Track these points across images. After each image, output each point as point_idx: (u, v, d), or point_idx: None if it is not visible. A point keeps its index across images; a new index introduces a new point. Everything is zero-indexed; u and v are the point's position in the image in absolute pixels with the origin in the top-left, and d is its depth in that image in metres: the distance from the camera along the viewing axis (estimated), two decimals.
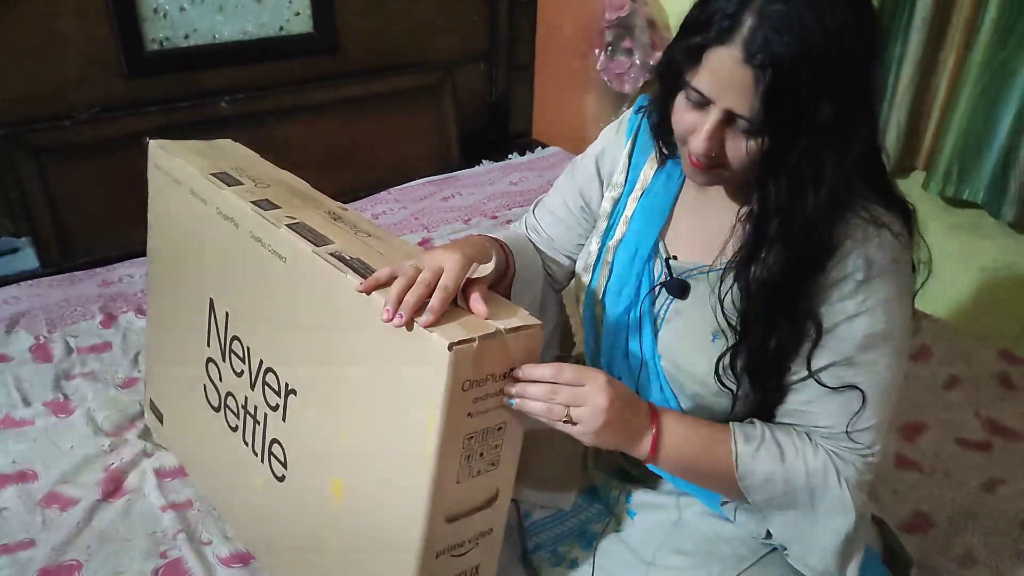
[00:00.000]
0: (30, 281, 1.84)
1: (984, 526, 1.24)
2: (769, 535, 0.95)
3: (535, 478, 1.09)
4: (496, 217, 2.27)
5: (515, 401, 0.82)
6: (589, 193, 1.08)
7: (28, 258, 2.04)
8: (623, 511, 1.05)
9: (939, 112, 1.99)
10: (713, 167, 0.84)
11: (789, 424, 0.90)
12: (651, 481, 1.05)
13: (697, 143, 0.82)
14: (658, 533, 1.00)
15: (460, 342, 0.76)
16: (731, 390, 0.90)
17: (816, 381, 0.86)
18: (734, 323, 0.88)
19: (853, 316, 0.84)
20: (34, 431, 1.37)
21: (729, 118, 0.79)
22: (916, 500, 1.30)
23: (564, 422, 0.82)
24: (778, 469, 0.86)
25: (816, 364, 0.86)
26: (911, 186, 2.06)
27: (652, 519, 1.02)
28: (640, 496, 1.04)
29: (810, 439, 0.88)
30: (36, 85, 1.97)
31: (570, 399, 0.81)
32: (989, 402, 1.54)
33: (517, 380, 0.82)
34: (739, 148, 0.81)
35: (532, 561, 1.04)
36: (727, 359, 0.89)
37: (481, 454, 0.84)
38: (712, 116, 0.80)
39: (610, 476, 1.10)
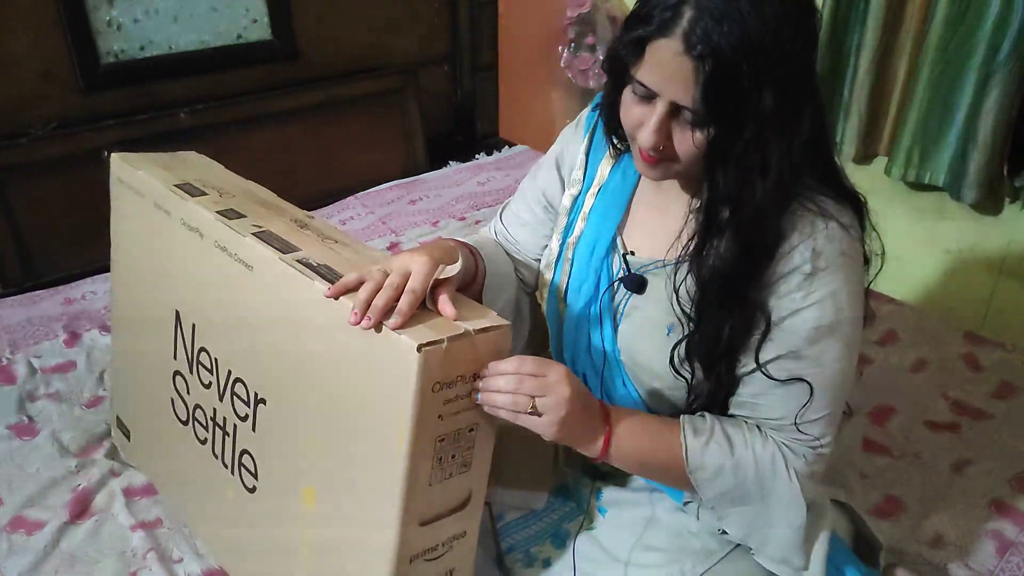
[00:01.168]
0: None
1: (954, 507, 1.26)
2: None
3: (507, 479, 1.09)
4: (464, 218, 2.26)
5: (481, 395, 0.81)
6: (552, 194, 1.08)
7: None
8: (594, 509, 1.05)
9: (898, 97, 2.01)
10: (663, 160, 0.84)
11: (741, 416, 0.91)
12: (622, 478, 1.05)
13: (645, 136, 0.82)
14: (630, 531, 1.00)
15: (429, 343, 0.76)
16: (686, 380, 0.90)
17: (763, 373, 0.87)
18: (689, 312, 0.88)
19: (800, 309, 0.84)
20: None
21: (675, 110, 0.80)
22: (887, 484, 1.31)
23: (529, 413, 0.81)
24: (727, 462, 0.87)
25: (764, 356, 0.86)
26: (874, 172, 2.08)
27: (624, 516, 1.02)
28: (611, 493, 1.05)
29: (760, 431, 0.89)
30: None
31: (534, 388, 0.81)
32: (956, 384, 1.56)
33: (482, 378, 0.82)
34: (686, 140, 0.81)
35: (506, 563, 1.04)
36: (682, 349, 0.89)
37: (453, 456, 0.84)
38: (658, 109, 0.80)
39: (581, 474, 1.10)
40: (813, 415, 0.87)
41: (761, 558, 0.94)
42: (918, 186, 2.03)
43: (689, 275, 0.88)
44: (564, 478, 1.13)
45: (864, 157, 2.09)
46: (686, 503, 0.99)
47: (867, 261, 0.91)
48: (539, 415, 0.81)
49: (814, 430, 0.87)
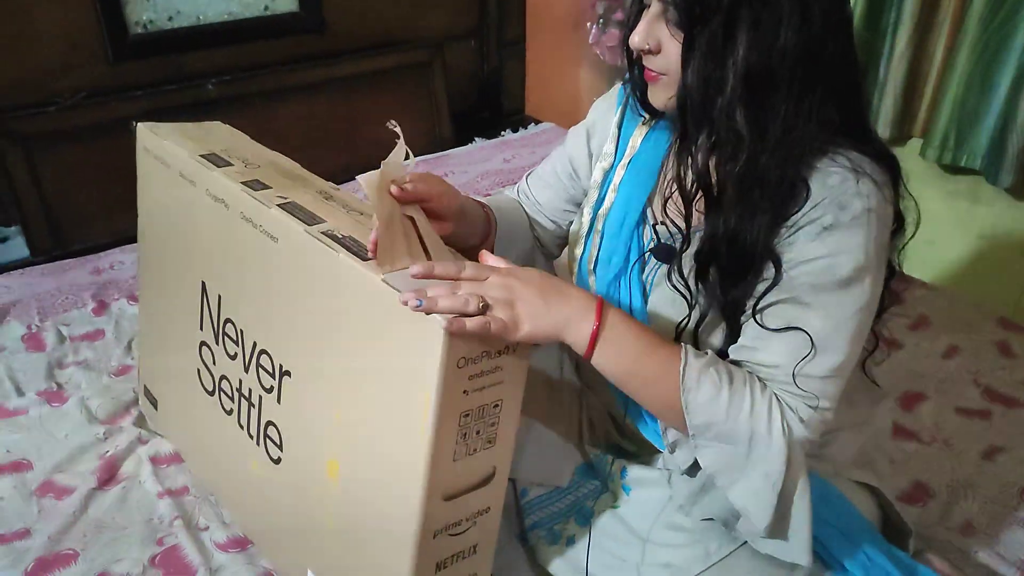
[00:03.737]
0: (21, 270, 1.83)
1: (984, 495, 1.24)
2: (694, 470, 0.94)
3: (531, 455, 1.09)
4: (490, 195, 2.24)
5: (424, 302, 0.74)
6: (578, 162, 1.09)
7: (18, 247, 2.03)
8: (619, 487, 1.04)
9: (935, 78, 1.97)
10: (660, 75, 0.86)
11: (739, 361, 0.87)
12: (646, 457, 1.05)
13: (635, 37, 0.84)
14: (654, 509, 0.99)
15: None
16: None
17: (756, 321, 0.83)
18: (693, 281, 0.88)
19: (813, 259, 0.81)
20: (28, 420, 1.37)
21: (664, 11, 0.82)
22: (916, 470, 1.29)
23: (478, 314, 0.75)
24: (724, 392, 0.81)
25: (764, 301, 0.83)
26: (908, 154, 2.04)
27: (648, 495, 1.01)
28: (635, 472, 1.04)
29: (759, 379, 0.84)
30: (20, 71, 1.95)
31: (475, 287, 0.77)
32: (988, 370, 1.53)
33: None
34: (673, 44, 0.82)
35: (529, 539, 1.03)
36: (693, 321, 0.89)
37: (478, 432, 0.83)
38: (650, 10, 0.83)
39: (606, 452, 1.10)
40: (813, 371, 0.82)
41: (734, 500, 0.88)
42: (953, 169, 1.99)
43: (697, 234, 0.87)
44: (588, 456, 1.13)
45: (899, 138, 2.06)
46: (672, 445, 0.96)
47: (901, 224, 0.88)
48: (489, 312, 0.76)
49: (812, 386, 0.82)
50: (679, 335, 0.92)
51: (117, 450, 1.30)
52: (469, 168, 2.39)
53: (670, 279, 0.91)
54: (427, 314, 0.74)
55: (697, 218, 0.88)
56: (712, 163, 0.84)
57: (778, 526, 0.85)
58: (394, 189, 0.83)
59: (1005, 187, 1.86)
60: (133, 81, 2.09)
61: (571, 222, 1.12)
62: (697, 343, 0.91)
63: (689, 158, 0.85)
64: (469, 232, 1.00)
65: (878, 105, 2.02)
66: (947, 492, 1.25)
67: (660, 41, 0.83)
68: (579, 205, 1.10)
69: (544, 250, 1.15)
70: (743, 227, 0.82)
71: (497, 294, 0.77)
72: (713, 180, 0.84)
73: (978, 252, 2.03)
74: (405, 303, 0.75)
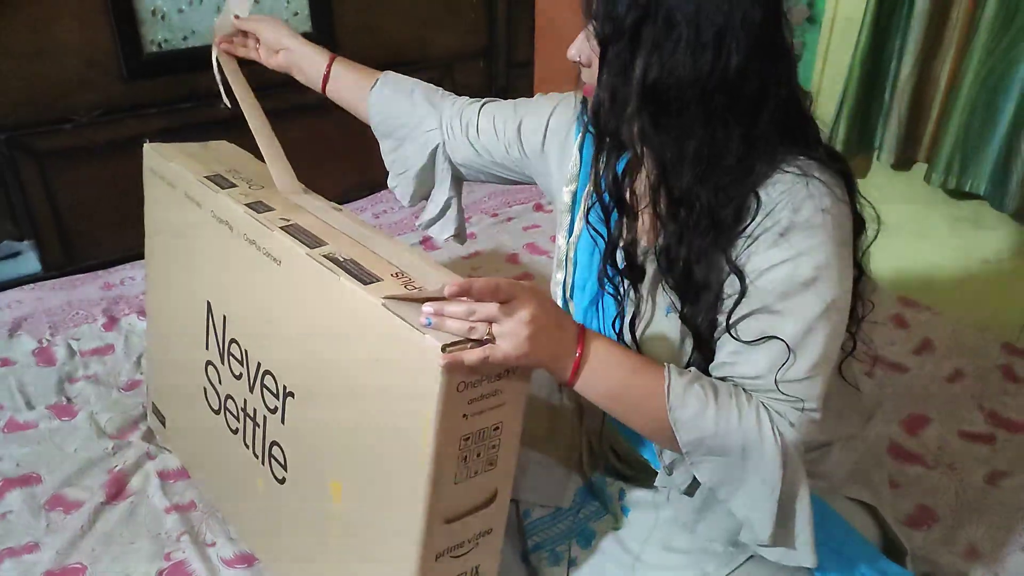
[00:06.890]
0: (32, 285, 1.85)
1: (988, 519, 1.24)
2: (692, 489, 0.94)
3: (533, 476, 1.09)
4: (497, 215, 2.27)
5: (432, 320, 0.77)
6: (526, 131, 1.09)
7: (30, 262, 2.05)
8: (618, 509, 1.05)
9: (940, 103, 1.97)
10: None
11: (722, 376, 0.88)
12: (645, 479, 1.05)
13: (570, 49, 0.89)
14: (653, 531, 0.99)
15: (453, 344, 0.76)
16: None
17: (731, 335, 0.84)
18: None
19: (775, 265, 0.82)
20: (38, 434, 1.38)
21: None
22: (919, 494, 1.29)
23: (485, 341, 0.77)
24: (710, 406, 0.81)
25: (736, 314, 0.84)
26: (912, 179, 2.05)
27: (646, 517, 1.01)
28: (635, 494, 1.04)
29: (744, 390, 0.85)
30: (36, 89, 1.98)
31: (489, 315, 0.77)
32: (992, 395, 1.54)
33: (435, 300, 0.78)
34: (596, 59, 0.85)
35: (532, 560, 1.04)
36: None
37: (478, 454, 0.83)
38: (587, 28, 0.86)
39: (606, 473, 1.10)
40: (794, 375, 0.82)
41: (736, 512, 0.89)
42: (957, 194, 2.00)
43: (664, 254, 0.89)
44: (590, 478, 1.13)
45: (903, 163, 2.06)
46: (668, 467, 0.96)
47: (861, 226, 0.89)
48: (494, 342, 0.77)
49: (796, 389, 0.82)
50: (619, 337, 0.94)
51: (126, 464, 1.31)
52: (476, 187, 2.41)
53: (599, 281, 0.94)
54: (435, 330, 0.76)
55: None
56: (628, 180, 0.89)
57: (782, 533, 0.85)
58: (224, 46, 1.04)
59: (1010, 212, 1.86)
60: (147, 99, 2.12)
61: (491, 159, 1.13)
62: (639, 350, 0.93)
63: (602, 170, 0.89)
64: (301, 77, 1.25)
65: (883, 130, 2.03)
66: (951, 516, 1.25)
67: (590, 57, 0.87)
68: (497, 163, 1.13)
69: (450, 155, 1.17)
70: (674, 246, 0.85)
71: (506, 326, 0.77)
72: (626, 195, 0.89)
73: (983, 277, 2.03)
74: (423, 319, 0.77)
